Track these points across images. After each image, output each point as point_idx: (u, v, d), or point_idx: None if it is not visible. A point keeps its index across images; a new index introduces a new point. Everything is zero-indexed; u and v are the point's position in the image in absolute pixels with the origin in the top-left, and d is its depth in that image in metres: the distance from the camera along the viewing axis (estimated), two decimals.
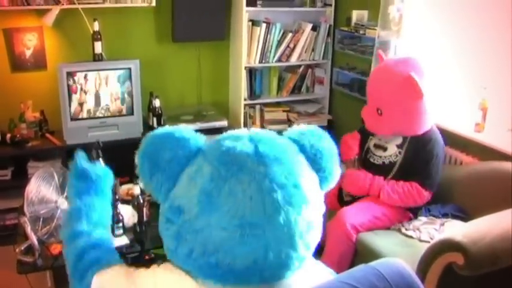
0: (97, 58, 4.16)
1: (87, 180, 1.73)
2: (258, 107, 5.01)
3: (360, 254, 3.08)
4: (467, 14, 3.64)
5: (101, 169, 1.79)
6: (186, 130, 1.44)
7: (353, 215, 3.13)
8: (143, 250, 2.98)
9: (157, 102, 4.37)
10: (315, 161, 1.48)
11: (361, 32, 4.47)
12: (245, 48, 4.68)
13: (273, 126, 4.93)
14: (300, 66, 5.09)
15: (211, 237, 1.28)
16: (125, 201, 3.22)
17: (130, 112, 4.23)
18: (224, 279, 1.32)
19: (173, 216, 1.36)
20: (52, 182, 2.83)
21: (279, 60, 4.88)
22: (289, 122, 5.01)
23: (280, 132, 1.50)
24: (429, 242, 2.80)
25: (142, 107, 4.34)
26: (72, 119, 4.06)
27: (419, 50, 3.97)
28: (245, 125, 4.89)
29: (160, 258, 3.26)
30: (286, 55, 4.88)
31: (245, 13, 4.57)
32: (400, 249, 2.92)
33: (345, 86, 4.80)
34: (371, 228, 3.14)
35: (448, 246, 2.48)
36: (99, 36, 4.13)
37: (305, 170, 1.43)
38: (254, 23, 4.72)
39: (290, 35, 4.84)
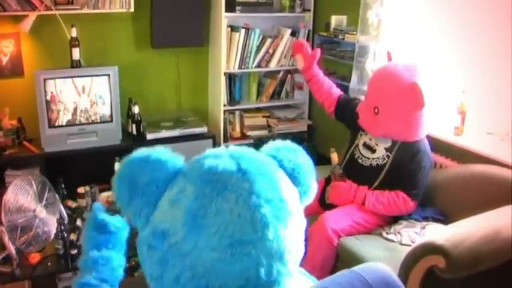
0: (75, 65, 4.13)
1: (106, 233, 1.70)
2: (237, 112, 4.99)
3: (342, 259, 3.08)
4: (445, 18, 3.67)
5: (120, 221, 1.74)
6: (163, 152, 1.40)
7: (334, 219, 3.13)
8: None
9: (136, 109, 4.34)
10: (293, 176, 1.47)
11: (340, 37, 4.48)
12: (224, 54, 4.67)
13: (253, 132, 4.93)
14: (279, 71, 5.09)
15: (200, 260, 1.24)
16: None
17: (109, 119, 4.20)
18: None
19: (156, 241, 1.30)
20: (30, 190, 2.80)
21: (259, 65, 4.88)
22: (269, 128, 5.01)
23: (256, 147, 1.50)
24: (410, 245, 2.81)
25: (122, 114, 4.31)
26: (50, 127, 4.02)
27: (398, 55, 3.98)
28: (225, 131, 4.87)
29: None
30: (266, 60, 4.88)
31: (224, 19, 4.57)
32: (382, 253, 2.92)
33: None
34: (352, 233, 3.14)
35: (429, 249, 2.49)
36: (77, 43, 4.10)
37: (287, 184, 1.41)
38: (233, 28, 4.71)
39: (269, 40, 4.85)
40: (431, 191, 3.34)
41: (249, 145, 4.77)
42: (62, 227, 2.83)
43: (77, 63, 4.13)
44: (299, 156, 1.51)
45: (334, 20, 4.61)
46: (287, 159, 1.47)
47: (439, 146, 3.59)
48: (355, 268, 1.42)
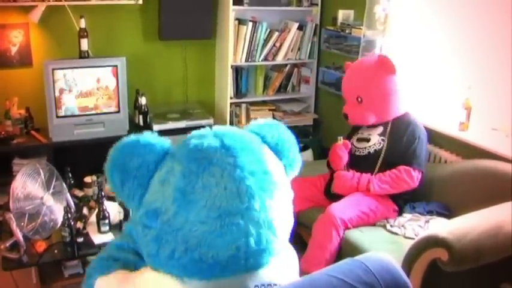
0: (83, 55, 4.15)
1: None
2: (243, 105, 5.00)
3: (346, 251, 3.09)
4: (452, 14, 3.67)
5: None
6: (151, 136, 1.49)
7: (342, 210, 3.16)
8: None
9: (143, 100, 4.37)
10: (277, 150, 1.54)
11: (347, 31, 4.49)
12: (231, 47, 4.68)
13: None
14: (286, 65, 5.10)
15: (191, 233, 1.31)
16: (110, 198, 3.21)
17: (117, 110, 4.22)
18: (210, 273, 1.34)
19: (150, 221, 1.37)
20: (38, 178, 2.82)
21: (265, 59, 4.89)
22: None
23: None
24: (414, 238, 2.83)
25: (129, 105, 4.33)
26: (57, 116, 4.04)
27: (405, 49, 4.00)
28: (231, 124, 4.89)
29: None
30: (273, 54, 4.89)
31: (231, 12, 4.57)
32: (385, 246, 2.94)
33: (331, 85, 4.82)
34: (359, 223, 3.17)
35: (432, 242, 2.50)
36: (85, 33, 4.12)
37: (271, 157, 1.48)
38: (240, 21, 4.72)
39: (276, 34, 4.85)
40: (436, 185, 3.36)
41: None
42: (69, 215, 2.86)
43: (85, 54, 4.15)
44: (281, 132, 1.59)
45: (341, 14, 4.63)
46: (270, 135, 1.55)
47: (444, 140, 3.62)
48: (359, 257, 1.45)
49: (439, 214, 3.23)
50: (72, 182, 3.40)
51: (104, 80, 4.14)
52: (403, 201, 3.36)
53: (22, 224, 2.75)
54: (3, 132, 4.02)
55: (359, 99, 3.46)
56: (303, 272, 1.55)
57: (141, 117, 4.39)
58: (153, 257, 1.40)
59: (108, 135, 4.15)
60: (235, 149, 1.38)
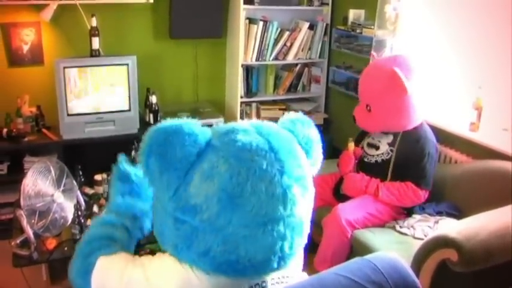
0: (94, 54, 4.16)
1: (129, 182, 1.75)
2: (254, 104, 5.02)
3: (355, 251, 3.09)
4: (463, 13, 3.65)
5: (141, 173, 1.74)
6: (195, 124, 1.39)
7: (349, 211, 3.15)
8: (139, 245, 2.98)
9: (154, 99, 4.38)
10: (305, 148, 1.53)
11: (357, 31, 4.48)
12: (242, 46, 4.68)
13: None
14: (296, 64, 5.10)
15: (233, 236, 1.30)
16: None
17: (127, 108, 4.23)
18: (242, 273, 1.34)
19: (186, 215, 1.34)
20: (49, 175, 2.83)
21: (276, 58, 4.89)
22: None
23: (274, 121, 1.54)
24: (423, 239, 2.81)
25: (139, 103, 4.33)
26: (68, 114, 4.06)
27: (415, 49, 3.98)
28: None
29: (155, 254, 3.26)
30: (283, 53, 4.89)
31: (242, 11, 4.58)
32: (395, 246, 2.93)
33: (341, 85, 4.81)
34: (366, 224, 3.16)
35: (442, 242, 2.50)
36: (96, 32, 4.13)
37: (305, 159, 1.48)
38: (251, 21, 4.72)
39: (287, 33, 4.85)
40: (446, 185, 3.35)
41: None
42: (79, 213, 2.86)
43: (96, 53, 4.17)
44: (311, 130, 1.59)
45: (352, 14, 4.61)
46: (301, 134, 1.54)
47: (454, 141, 3.60)
48: (368, 256, 1.45)
49: (449, 214, 3.22)
50: (83, 179, 3.41)
51: (114, 79, 4.16)
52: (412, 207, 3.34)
53: (33, 221, 2.76)
54: (14, 130, 4.04)
55: (368, 107, 3.39)
56: (314, 271, 1.57)
57: (151, 115, 4.40)
58: (181, 250, 1.38)
59: (118, 133, 4.18)
60: (283, 153, 1.37)
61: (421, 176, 3.22)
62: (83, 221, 2.87)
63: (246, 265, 1.32)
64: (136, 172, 1.75)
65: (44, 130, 4.20)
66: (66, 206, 2.93)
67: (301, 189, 1.39)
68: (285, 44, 4.87)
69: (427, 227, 3.10)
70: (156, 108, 4.40)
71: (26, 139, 4.04)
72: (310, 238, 1.50)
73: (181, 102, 4.93)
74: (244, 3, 4.57)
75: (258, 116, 5.02)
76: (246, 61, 4.78)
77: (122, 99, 4.21)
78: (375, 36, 4.15)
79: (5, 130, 4.02)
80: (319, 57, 5.05)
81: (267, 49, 4.80)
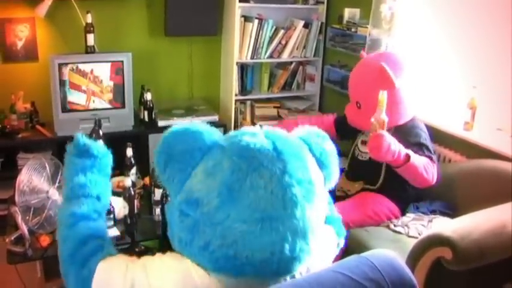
0: (89, 50, 4.15)
1: (90, 157, 1.69)
2: (248, 102, 5.03)
3: (350, 249, 3.08)
4: (458, 13, 3.67)
5: (102, 147, 1.75)
6: (201, 125, 1.48)
7: (345, 211, 3.12)
8: (134, 242, 2.98)
9: (148, 96, 4.37)
10: (320, 160, 1.55)
11: (352, 29, 4.49)
12: (237, 44, 4.69)
13: (264, 122, 4.94)
14: (291, 63, 5.11)
15: (231, 230, 1.31)
16: (115, 193, 3.21)
17: (122, 105, 4.23)
18: (240, 272, 1.35)
19: (189, 209, 1.38)
20: (43, 172, 2.82)
21: (271, 56, 4.90)
22: (279, 118, 5.02)
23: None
24: (417, 237, 2.82)
25: (134, 100, 4.33)
26: (63, 111, 4.06)
27: (410, 49, 4.00)
28: (235, 120, 4.90)
29: (151, 251, 3.27)
30: (278, 51, 4.90)
31: (238, 9, 4.58)
32: (390, 245, 2.93)
33: (336, 84, 4.82)
34: (362, 224, 3.16)
35: (436, 241, 2.50)
36: (91, 29, 4.12)
37: (315, 167, 1.50)
38: (246, 19, 4.73)
39: (282, 31, 4.86)
40: (440, 184, 3.33)
41: None
42: None
43: (91, 49, 4.16)
44: (326, 143, 1.61)
45: (347, 12, 4.62)
46: (315, 144, 1.56)
47: (448, 140, 3.61)
48: (365, 254, 1.46)
49: (443, 213, 3.23)
50: None
51: (109, 75, 4.15)
52: (407, 203, 3.34)
53: (27, 217, 2.75)
54: (8, 126, 4.03)
55: (358, 105, 3.38)
56: None
57: (146, 112, 4.40)
58: (185, 244, 1.40)
59: (113, 130, 4.15)
60: (286, 154, 1.39)
61: (425, 150, 3.13)
62: None
63: (243, 262, 1.32)
64: (96, 146, 1.71)
65: (38, 126, 4.19)
66: (61, 201, 2.91)
67: (305, 192, 1.39)
68: (279, 42, 4.88)
69: (421, 226, 3.11)
70: (151, 105, 4.40)
71: (20, 135, 4.04)
72: None
73: (176, 100, 4.93)
74: (240, 1, 4.57)
75: (252, 114, 5.03)
76: (241, 59, 4.78)
77: (116, 96, 4.21)
78: (370, 35, 4.15)
79: None
80: (314, 55, 5.06)
81: (262, 47, 4.81)
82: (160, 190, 3.01)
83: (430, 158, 3.10)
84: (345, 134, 3.69)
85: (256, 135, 1.43)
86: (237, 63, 4.76)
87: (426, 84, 3.92)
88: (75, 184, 1.65)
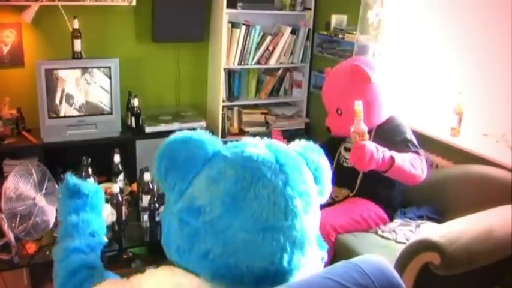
0: (76, 56, 4.13)
1: (81, 197, 1.72)
2: (236, 108, 5.02)
3: (338, 254, 3.10)
4: (444, 20, 3.70)
5: (92, 185, 1.79)
6: (204, 134, 1.47)
7: (333, 216, 3.14)
8: (121, 249, 2.97)
9: (136, 102, 4.36)
10: (314, 175, 1.55)
11: (340, 36, 4.50)
12: (224, 50, 4.69)
13: (251, 128, 4.96)
14: (278, 69, 5.12)
15: (233, 239, 1.31)
16: None
17: (109, 111, 4.21)
18: (240, 281, 1.34)
19: (190, 216, 1.36)
20: (30, 179, 2.80)
21: (258, 62, 4.90)
22: (266, 124, 5.03)
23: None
24: (405, 243, 2.83)
25: (121, 106, 4.31)
26: (49, 117, 4.03)
27: (397, 55, 4.02)
28: (223, 127, 4.89)
29: (138, 258, 3.26)
30: (265, 58, 4.90)
31: (225, 15, 4.58)
32: (377, 250, 2.93)
33: None
34: (349, 230, 3.15)
35: (425, 246, 2.51)
36: (78, 34, 4.10)
37: (312, 181, 1.50)
38: (234, 25, 4.73)
39: (269, 37, 4.87)
40: (427, 190, 3.35)
41: None
42: None
43: (78, 55, 4.13)
44: (321, 158, 1.62)
45: (335, 19, 4.63)
46: (311, 159, 1.57)
47: (435, 146, 3.63)
48: (354, 259, 1.46)
49: (430, 219, 3.24)
50: None
51: (96, 81, 4.13)
52: (394, 209, 3.34)
53: (13, 224, 2.73)
54: None
55: (339, 112, 3.36)
56: None
57: (133, 118, 4.38)
58: (183, 252, 1.39)
59: (100, 136, 4.17)
60: (288, 167, 1.39)
61: (411, 146, 3.11)
62: None
63: (243, 271, 1.32)
64: (86, 185, 1.75)
65: (25, 133, 4.16)
66: (47, 209, 2.89)
67: (304, 204, 1.39)
68: (267, 49, 4.88)
69: (409, 231, 3.12)
70: (138, 111, 4.39)
71: (5, 142, 4.00)
72: None
73: (163, 106, 4.92)
74: (227, 7, 4.57)
75: (240, 120, 5.03)
76: (228, 65, 4.78)
77: (103, 102, 4.19)
78: (357, 42, 4.17)
79: None
80: (301, 61, 5.07)
81: (249, 53, 4.81)
82: (148, 196, 3.00)
83: (417, 153, 3.09)
84: (330, 154, 3.63)
85: (258, 146, 1.44)
86: (224, 69, 4.76)
87: (413, 90, 3.94)
88: (68, 224, 1.68)
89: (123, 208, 3.00)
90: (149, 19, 4.57)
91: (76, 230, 1.66)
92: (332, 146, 3.60)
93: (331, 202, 3.38)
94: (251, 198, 1.31)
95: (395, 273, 1.44)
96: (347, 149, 3.46)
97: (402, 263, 2.59)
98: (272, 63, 4.95)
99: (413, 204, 3.36)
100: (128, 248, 2.98)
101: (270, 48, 4.89)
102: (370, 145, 2.83)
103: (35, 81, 3.95)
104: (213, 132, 4.54)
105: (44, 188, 2.88)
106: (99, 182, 3.44)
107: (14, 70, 4.27)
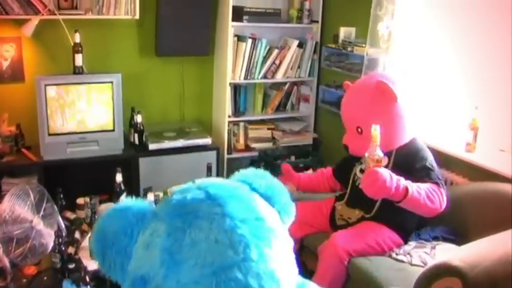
0: (77, 71, 4.03)
1: None
2: (242, 124, 4.91)
3: (353, 278, 2.97)
4: (459, 32, 3.59)
5: None
6: (128, 200, 1.44)
7: (346, 239, 3.01)
8: None
9: (139, 118, 4.24)
10: (267, 196, 1.46)
11: (349, 49, 4.40)
12: (230, 64, 4.58)
13: (257, 144, 4.85)
14: (285, 83, 5.01)
15: None
16: None
17: (111, 128, 4.10)
18: None
19: None
20: (27, 200, 2.68)
21: (265, 76, 4.80)
22: (273, 140, 4.91)
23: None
24: (421, 265, 2.74)
25: (124, 123, 4.21)
26: (50, 134, 3.93)
27: (410, 68, 3.91)
28: (229, 143, 4.77)
29: None
30: (272, 71, 4.79)
31: (231, 28, 4.48)
32: (393, 274, 2.81)
33: (332, 104, 4.71)
34: (363, 254, 3.01)
35: (444, 270, 2.38)
36: (80, 49, 4.01)
37: (262, 204, 1.40)
38: (240, 38, 4.63)
39: (276, 51, 4.77)
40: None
41: (253, 158, 4.73)
42: (60, 240, 2.71)
43: (80, 70, 4.04)
44: (268, 179, 1.54)
45: (343, 31, 4.53)
46: (257, 183, 1.48)
47: (450, 162, 3.52)
48: None
49: (445, 239, 3.11)
50: (64, 203, 3.26)
51: (98, 97, 4.03)
52: (409, 232, 3.19)
53: (10, 248, 2.61)
54: None
55: (359, 130, 3.17)
56: None
57: (136, 135, 4.26)
58: None
59: (102, 154, 4.06)
60: (222, 198, 1.30)
61: (432, 174, 2.97)
62: (63, 248, 2.72)
63: None
64: None
65: (24, 150, 4.06)
66: (46, 232, 2.78)
67: (254, 229, 1.28)
68: (273, 62, 4.78)
69: (424, 253, 2.99)
70: (142, 128, 4.27)
71: (4, 159, 3.91)
72: (304, 265, 1.39)
73: (167, 122, 4.81)
74: (233, 20, 4.47)
75: (246, 136, 4.91)
76: (234, 79, 4.67)
77: (105, 119, 4.08)
78: (367, 55, 4.06)
79: None
80: (309, 75, 4.96)
81: (256, 67, 4.70)
82: None
83: (437, 184, 2.95)
84: (344, 176, 3.52)
85: (188, 190, 1.36)
86: (230, 83, 4.65)
87: (427, 105, 3.82)
88: None
89: None
90: (153, 33, 4.48)
91: None
92: (347, 165, 3.47)
93: (344, 224, 3.26)
94: (188, 246, 1.21)
95: None
96: (362, 171, 3.28)
97: None
98: (279, 77, 4.84)
99: (428, 225, 3.22)
100: None
101: (277, 62, 4.78)
102: (384, 172, 2.73)
103: (35, 96, 3.86)
104: (219, 149, 4.44)
105: (42, 209, 2.76)
106: (101, 202, 3.34)
107: (14, 85, 4.19)
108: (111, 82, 4.02)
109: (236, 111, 4.84)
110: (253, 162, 4.73)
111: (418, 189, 2.81)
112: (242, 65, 4.64)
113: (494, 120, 3.41)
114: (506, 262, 2.38)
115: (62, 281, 2.64)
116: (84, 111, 4.01)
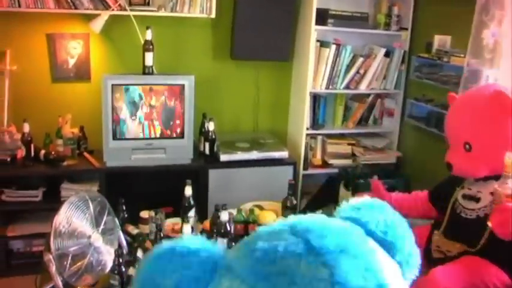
0: (147, 71, 3.75)
1: None
2: (320, 137, 4.53)
3: None
4: None
5: None
6: (192, 240, 1.06)
7: (449, 277, 2.57)
8: None
9: (211, 126, 3.89)
10: (386, 242, 1.08)
11: (444, 59, 3.95)
12: (311, 71, 4.22)
13: (336, 161, 4.45)
14: (369, 95, 4.60)
15: None
16: (170, 238, 2.72)
17: (181, 135, 3.80)
18: None
19: None
20: (87, 212, 2.36)
21: (347, 87, 4.40)
22: (353, 157, 4.49)
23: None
24: None
25: (194, 130, 3.90)
26: (114, 138, 3.67)
27: None
28: (305, 158, 4.39)
29: None
30: (356, 82, 4.40)
31: (313, 32, 4.11)
32: None
33: (421, 120, 4.27)
34: None
35: None
36: (151, 47, 3.73)
37: (383, 258, 1.03)
38: (322, 44, 4.27)
39: (361, 59, 4.37)
40: None
41: (331, 175, 4.33)
42: (120, 260, 2.38)
43: (150, 70, 3.76)
44: (388, 214, 1.15)
45: (437, 40, 4.09)
46: (374, 221, 1.10)
47: None
48: None
49: None
50: (126, 215, 2.94)
51: (168, 101, 3.75)
52: None
53: (65, 263, 2.30)
54: (53, 153, 3.70)
55: (467, 146, 2.79)
56: None
57: (207, 144, 3.93)
58: None
59: (169, 162, 3.78)
60: (330, 253, 0.92)
61: None
62: (124, 269, 2.38)
63: None
64: None
65: (86, 154, 3.85)
66: (105, 249, 2.46)
67: None
68: (358, 72, 4.39)
69: None
70: (213, 136, 3.92)
71: (65, 163, 3.68)
72: None
73: (239, 131, 4.51)
74: (316, 23, 4.11)
75: (324, 151, 4.52)
76: (315, 88, 4.30)
77: (175, 125, 3.80)
78: (467, 66, 3.61)
79: (42, 152, 3.68)
80: (395, 87, 4.54)
81: (339, 76, 4.31)
82: (225, 240, 2.51)
83: None
84: (442, 202, 3.09)
85: (277, 233, 0.98)
86: (310, 93, 4.28)
87: None
88: None
89: None
90: (228, 34, 4.21)
91: None
92: (447, 189, 3.01)
93: (442, 257, 2.80)
94: None
95: None
96: (467, 197, 2.84)
97: None
98: (363, 88, 4.44)
99: None
100: None
101: (361, 72, 4.39)
102: None
103: (100, 97, 3.63)
104: (296, 163, 4.07)
105: (102, 223, 2.43)
106: (167, 216, 3.02)
107: (79, 84, 4.00)
108: (183, 85, 3.73)
109: (314, 124, 4.46)
110: (331, 180, 4.33)
111: None
112: (324, 73, 4.27)
113: None
114: None
115: None
116: (152, 115, 3.76)
